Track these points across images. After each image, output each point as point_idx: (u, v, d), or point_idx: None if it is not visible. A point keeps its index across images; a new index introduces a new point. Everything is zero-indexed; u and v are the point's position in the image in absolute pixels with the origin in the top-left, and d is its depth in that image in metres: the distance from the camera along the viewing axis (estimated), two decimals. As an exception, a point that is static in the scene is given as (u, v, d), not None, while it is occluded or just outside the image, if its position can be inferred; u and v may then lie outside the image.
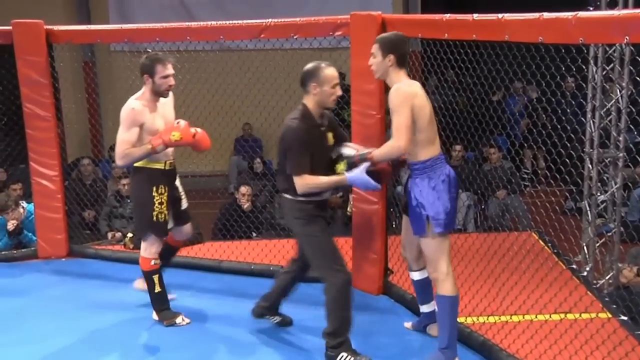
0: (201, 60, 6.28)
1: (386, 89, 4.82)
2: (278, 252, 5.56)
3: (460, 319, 4.29)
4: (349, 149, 4.02)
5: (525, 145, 9.47)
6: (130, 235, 6.25)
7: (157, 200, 4.34)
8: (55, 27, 5.82)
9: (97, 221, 7.43)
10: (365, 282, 4.99)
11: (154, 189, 4.34)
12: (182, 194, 4.67)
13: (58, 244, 6.01)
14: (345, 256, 5.17)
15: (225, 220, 6.64)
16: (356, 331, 4.40)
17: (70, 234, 6.17)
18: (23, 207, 6.20)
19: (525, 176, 9.11)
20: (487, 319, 4.33)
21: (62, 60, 6.26)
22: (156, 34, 5.52)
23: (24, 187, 7.07)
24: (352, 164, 3.87)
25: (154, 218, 4.36)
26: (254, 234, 6.75)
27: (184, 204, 4.68)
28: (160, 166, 4.39)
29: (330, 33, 4.90)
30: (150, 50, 6.26)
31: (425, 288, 4.24)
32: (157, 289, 4.50)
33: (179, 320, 4.54)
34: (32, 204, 6.09)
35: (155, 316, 4.59)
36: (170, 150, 4.39)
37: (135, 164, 4.35)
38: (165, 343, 4.33)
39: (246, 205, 6.81)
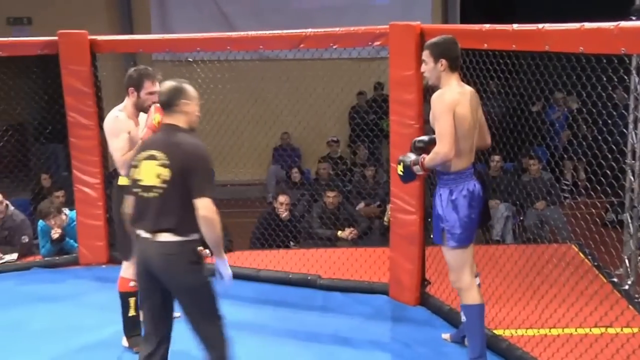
0: (240, 70, 6.35)
1: (425, 99, 4.83)
2: (316, 261, 5.57)
3: (498, 332, 4.27)
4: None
5: (566, 156, 9.34)
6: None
7: None
8: (99, 37, 5.92)
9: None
10: (402, 293, 4.98)
11: None
12: None
13: (99, 251, 6.10)
14: (383, 266, 5.21)
15: (264, 229, 6.67)
16: (393, 342, 4.40)
17: (111, 241, 6.26)
18: (65, 214, 6.30)
19: (565, 187, 8.97)
20: (526, 332, 4.28)
21: (105, 69, 6.36)
22: (197, 43, 5.59)
23: (66, 194, 7.20)
24: (407, 166, 3.87)
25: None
26: (292, 243, 6.77)
27: None
28: None
29: (369, 43, 4.91)
30: (191, 60, 6.39)
31: None
32: (132, 312, 4.27)
33: None
34: (74, 211, 6.20)
35: (124, 342, 4.36)
36: None
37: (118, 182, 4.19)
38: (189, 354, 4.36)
39: (284, 214, 6.83)
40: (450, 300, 4.74)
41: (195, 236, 3.26)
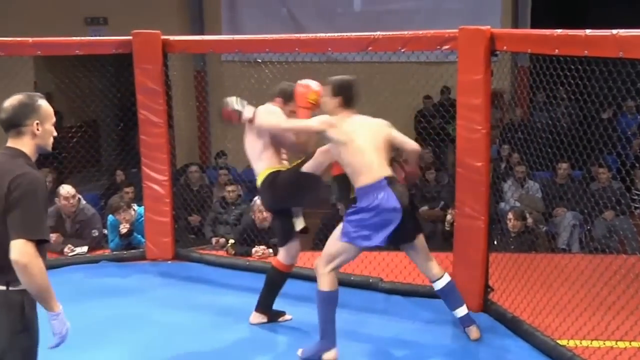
0: (308, 72, 6.38)
1: (492, 103, 4.78)
2: (378, 264, 5.56)
3: (562, 342, 4.19)
4: None
5: (637, 165, 9.08)
6: (232, 241, 6.41)
7: None
8: (171, 37, 6.06)
9: (202, 226, 7.64)
10: (465, 299, 4.91)
11: None
12: None
13: (165, 247, 6.23)
14: (445, 271, 5.16)
15: (327, 231, 6.68)
16: (455, 349, 4.37)
17: (177, 237, 6.39)
18: (134, 210, 6.46)
19: (636, 197, 8.73)
20: (591, 343, 4.18)
21: (176, 69, 6.50)
22: (266, 44, 5.65)
23: (135, 190, 7.38)
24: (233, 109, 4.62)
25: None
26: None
27: None
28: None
29: (438, 47, 4.87)
30: (259, 61, 6.47)
31: (448, 294, 4.41)
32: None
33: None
34: (143, 206, 6.36)
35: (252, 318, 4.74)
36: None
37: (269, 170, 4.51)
38: (265, 350, 4.41)
39: (347, 216, 6.83)
40: (513, 308, 4.67)
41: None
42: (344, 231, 4.13)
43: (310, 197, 4.65)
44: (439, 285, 4.38)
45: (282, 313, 4.80)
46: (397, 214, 4.01)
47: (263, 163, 4.54)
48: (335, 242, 4.19)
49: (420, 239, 4.32)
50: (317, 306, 4.17)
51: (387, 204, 3.99)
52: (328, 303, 4.14)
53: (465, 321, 4.44)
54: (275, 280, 4.71)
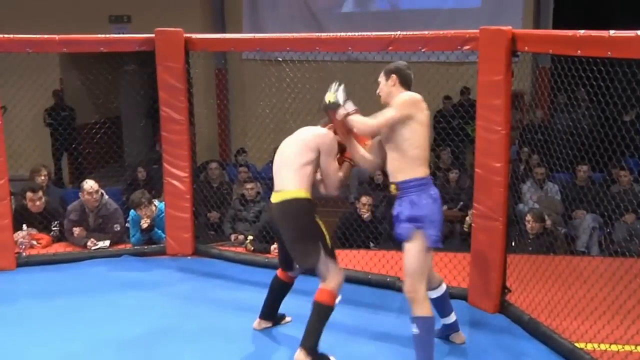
0: (328, 71, 6.41)
1: (513, 104, 4.77)
2: (395, 263, 5.56)
3: (580, 345, 4.18)
4: None
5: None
6: (251, 237, 6.46)
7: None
8: (193, 35, 6.11)
9: (222, 223, 7.69)
10: (481, 300, 4.93)
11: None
12: None
13: (185, 243, 6.29)
14: (462, 272, 5.18)
15: (345, 229, 6.72)
16: (470, 350, 4.37)
17: (197, 233, 6.45)
18: (155, 205, 6.53)
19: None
20: (609, 347, 4.16)
21: (197, 66, 6.55)
22: (287, 43, 5.69)
23: (156, 186, 7.44)
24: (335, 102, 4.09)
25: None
26: (372, 244, 6.79)
27: None
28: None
29: (458, 47, 4.87)
30: (280, 59, 6.50)
31: (442, 302, 4.31)
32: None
33: None
34: (163, 202, 6.41)
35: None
36: None
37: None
38: (282, 347, 4.45)
39: (366, 215, 6.86)
40: (530, 309, 4.67)
41: None
42: (427, 235, 3.85)
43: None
44: (434, 294, 4.24)
45: (283, 316, 4.75)
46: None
47: None
48: (418, 253, 3.88)
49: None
50: (418, 336, 3.87)
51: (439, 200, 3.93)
52: (431, 331, 3.90)
53: (453, 328, 4.40)
54: (281, 290, 4.61)
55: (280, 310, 4.71)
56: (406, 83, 4.05)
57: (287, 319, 4.77)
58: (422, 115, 3.93)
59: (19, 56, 6.15)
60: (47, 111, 10.27)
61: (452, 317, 4.39)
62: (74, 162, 9.91)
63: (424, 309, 3.86)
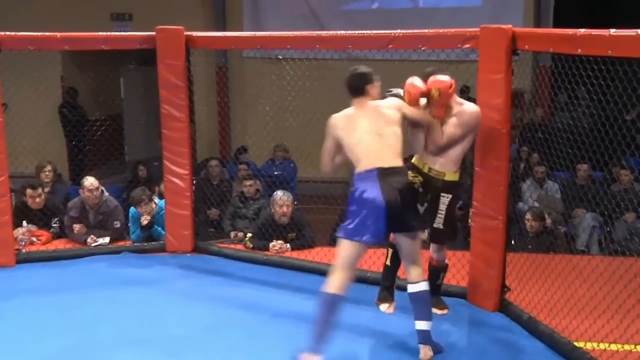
0: (329, 69, 6.42)
1: (512, 103, 4.77)
2: (394, 261, 5.57)
3: (580, 344, 4.18)
4: None
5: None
6: (250, 235, 6.46)
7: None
8: (194, 33, 6.11)
9: (222, 220, 7.70)
10: (480, 298, 4.94)
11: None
12: None
13: (185, 240, 6.30)
14: (462, 270, 5.18)
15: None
16: (470, 348, 4.37)
17: (196, 230, 6.46)
18: (155, 203, 6.54)
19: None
20: (609, 346, 4.16)
21: (198, 64, 6.55)
22: (287, 41, 5.69)
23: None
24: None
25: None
26: (372, 242, 6.78)
27: None
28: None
29: (459, 45, 4.87)
30: (280, 57, 6.51)
31: (418, 301, 4.17)
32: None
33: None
34: (163, 200, 6.42)
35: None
36: None
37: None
38: (282, 343, 4.45)
39: (366, 212, 6.84)
40: (530, 308, 4.67)
41: None
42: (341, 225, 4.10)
43: None
44: (412, 288, 4.16)
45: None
46: (377, 207, 3.91)
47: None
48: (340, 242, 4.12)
49: (416, 238, 4.13)
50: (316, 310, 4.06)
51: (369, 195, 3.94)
52: (326, 308, 4.03)
53: (423, 338, 4.17)
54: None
55: (283, 311, 4.78)
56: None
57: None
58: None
59: (20, 54, 6.15)
60: (63, 108, 10.30)
61: (423, 325, 4.15)
62: (74, 159, 9.91)
63: (326, 286, 4.06)
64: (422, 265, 4.20)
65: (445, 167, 4.44)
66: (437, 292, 4.94)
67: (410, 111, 4.20)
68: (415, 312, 4.19)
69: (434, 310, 4.79)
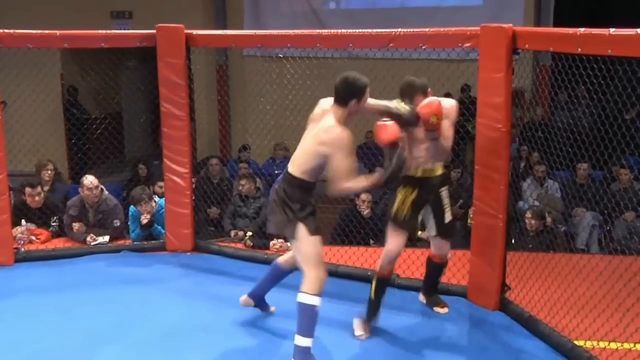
0: (329, 67, 6.41)
1: (513, 102, 4.77)
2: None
3: (580, 342, 4.19)
4: None
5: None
6: (250, 234, 6.46)
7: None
8: (195, 32, 6.10)
9: (222, 219, 7.69)
10: (481, 297, 4.94)
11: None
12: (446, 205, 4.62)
13: (185, 239, 6.29)
14: (462, 269, 5.18)
15: (345, 226, 6.73)
16: (470, 347, 4.38)
17: (196, 229, 6.45)
18: (155, 201, 6.53)
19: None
20: (608, 345, 4.17)
21: (198, 63, 6.55)
22: (288, 40, 5.68)
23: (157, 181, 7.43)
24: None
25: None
26: (372, 241, 6.80)
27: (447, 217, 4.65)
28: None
29: (459, 44, 4.87)
30: (281, 56, 6.50)
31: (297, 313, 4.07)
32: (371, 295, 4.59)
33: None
34: (163, 198, 6.41)
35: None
36: None
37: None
38: (282, 342, 4.45)
39: (366, 211, 6.86)
40: (530, 307, 4.67)
41: None
42: None
43: None
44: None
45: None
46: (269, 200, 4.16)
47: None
48: None
49: (293, 245, 4.15)
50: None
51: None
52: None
53: (296, 353, 4.01)
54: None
55: (283, 310, 4.78)
56: None
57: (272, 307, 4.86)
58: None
59: (19, 51, 6.15)
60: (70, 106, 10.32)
61: (298, 341, 4.00)
62: (73, 157, 9.93)
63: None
64: (308, 277, 4.03)
65: (437, 163, 4.52)
66: (436, 290, 4.98)
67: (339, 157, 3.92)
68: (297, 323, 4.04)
69: (435, 309, 4.82)
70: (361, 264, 5.69)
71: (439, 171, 4.54)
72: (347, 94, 3.91)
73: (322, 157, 3.90)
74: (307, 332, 3.98)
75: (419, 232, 6.74)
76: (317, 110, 4.12)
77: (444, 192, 4.57)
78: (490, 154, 4.75)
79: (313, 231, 4.05)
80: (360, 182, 4.04)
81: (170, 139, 6.16)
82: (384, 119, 4.19)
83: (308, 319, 3.97)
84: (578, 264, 5.05)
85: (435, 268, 4.84)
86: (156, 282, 5.59)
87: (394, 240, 4.51)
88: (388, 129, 4.12)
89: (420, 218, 4.59)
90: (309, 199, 4.09)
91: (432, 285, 4.97)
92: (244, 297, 4.79)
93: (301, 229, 4.03)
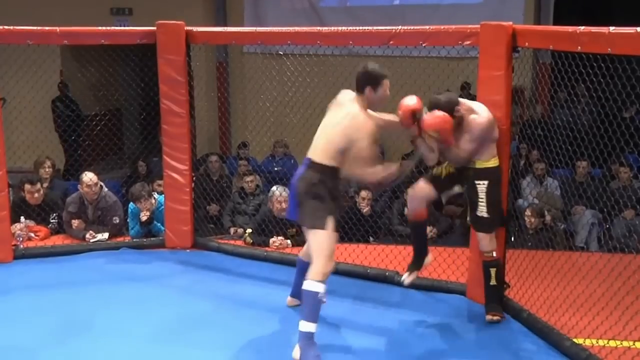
0: (329, 65, 6.41)
1: (513, 100, 4.77)
2: (394, 257, 5.58)
3: (579, 340, 4.19)
4: None
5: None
6: (249, 231, 6.46)
7: None
8: (195, 28, 6.10)
9: (221, 216, 7.70)
10: (480, 294, 4.93)
11: None
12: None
13: (184, 236, 6.29)
14: (462, 267, 5.18)
15: (344, 223, 6.72)
16: (469, 345, 4.38)
17: (196, 226, 6.45)
18: (155, 198, 6.53)
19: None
20: (608, 343, 4.17)
21: (198, 60, 6.54)
22: (288, 37, 5.68)
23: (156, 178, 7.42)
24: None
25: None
26: (371, 239, 6.80)
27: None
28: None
29: (459, 42, 4.87)
30: (281, 53, 6.50)
31: (303, 299, 4.18)
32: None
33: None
34: (163, 195, 6.41)
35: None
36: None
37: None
38: (283, 338, 4.46)
39: (365, 209, 6.87)
40: (529, 305, 4.68)
41: None
42: None
43: None
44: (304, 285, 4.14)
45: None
46: (292, 189, 4.20)
47: None
48: None
49: (310, 235, 4.20)
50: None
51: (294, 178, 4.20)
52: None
53: (301, 338, 4.08)
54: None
55: (282, 307, 4.83)
56: None
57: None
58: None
59: (19, 48, 6.14)
60: (56, 102, 10.28)
61: (304, 326, 4.09)
62: (73, 154, 9.92)
63: None
64: (318, 266, 4.11)
65: (475, 157, 4.54)
66: (491, 295, 4.75)
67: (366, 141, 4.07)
68: (302, 310, 4.18)
69: (487, 317, 4.71)
70: (360, 262, 5.69)
71: (477, 164, 4.55)
72: (363, 82, 4.12)
73: (347, 141, 4.00)
74: (311, 317, 4.06)
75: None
76: (340, 97, 4.23)
77: (481, 187, 4.54)
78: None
79: (334, 228, 4.17)
80: (378, 172, 4.15)
81: (170, 135, 6.16)
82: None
83: (312, 304, 4.06)
84: (577, 262, 5.05)
85: (483, 269, 4.71)
86: (155, 279, 5.60)
87: (421, 181, 4.73)
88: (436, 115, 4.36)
89: (456, 189, 4.79)
90: (337, 187, 4.23)
91: (486, 289, 4.78)
92: (289, 299, 4.88)
93: (329, 223, 4.12)
